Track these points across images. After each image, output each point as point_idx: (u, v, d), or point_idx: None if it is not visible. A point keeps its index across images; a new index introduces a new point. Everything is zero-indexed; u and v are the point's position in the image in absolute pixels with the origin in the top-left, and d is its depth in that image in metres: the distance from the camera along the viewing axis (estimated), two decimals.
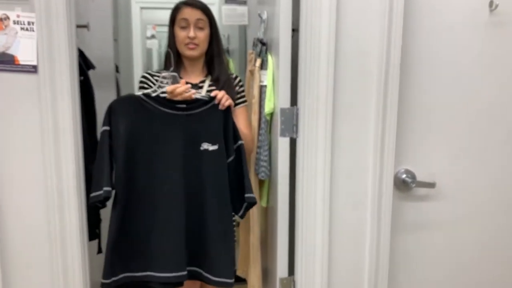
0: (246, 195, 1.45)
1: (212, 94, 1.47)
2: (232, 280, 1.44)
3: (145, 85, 1.65)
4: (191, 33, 1.59)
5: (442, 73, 1.49)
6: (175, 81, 1.46)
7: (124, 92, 2.65)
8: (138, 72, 3.13)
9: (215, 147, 1.43)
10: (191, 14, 1.61)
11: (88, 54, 1.98)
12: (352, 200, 1.48)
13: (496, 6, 1.46)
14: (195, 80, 1.66)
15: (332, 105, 1.40)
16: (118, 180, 1.39)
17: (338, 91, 1.41)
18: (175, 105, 1.42)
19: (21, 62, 1.29)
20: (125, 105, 1.41)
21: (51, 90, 1.31)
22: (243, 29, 2.73)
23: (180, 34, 1.62)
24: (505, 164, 1.59)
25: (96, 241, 1.95)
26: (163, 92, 1.43)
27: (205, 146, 1.42)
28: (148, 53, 3.90)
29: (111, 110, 1.39)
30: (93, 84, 1.96)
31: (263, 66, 1.69)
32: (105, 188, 1.35)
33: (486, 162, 1.58)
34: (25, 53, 1.29)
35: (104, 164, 1.38)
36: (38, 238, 1.39)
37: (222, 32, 2.99)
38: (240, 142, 1.48)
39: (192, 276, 1.45)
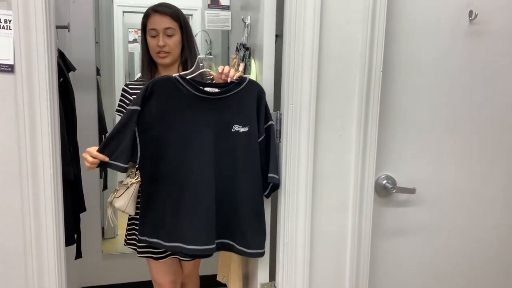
0: (269, 174, 1.44)
1: (219, 69, 1.45)
2: (263, 250, 1.48)
3: (125, 99, 1.65)
4: (160, 42, 1.61)
5: (423, 80, 1.52)
6: (210, 63, 1.47)
7: (105, 95, 2.62)
8: (119, 76, 3.10)
9: (245, 128, 1.44)
10: (159, 22, 1.61)
11: (68, 56, 1.94)
12: (333, 205, 1.48)
13: (476, 15, 1.49)
14: None
15: (315, 111, 1.40)
16: (150, 158, 1.41)
17: (321, 96, 1.41)
18: (207, 89, 1.42)
19: None
20: (161, 86, 1.39)
21: (28, 91, 1.28)
22: (226, 34, 2.73)
23: (151, 42, 1.64)
24: (485, 170, 1.62)
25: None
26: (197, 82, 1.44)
27: (236, 128, 1.44)
28: (130, 56, 3.87)
29: (147, 91, 1.38)
30: (74, 86, 1.93)
31: (246, 71, 1.68)
32: (121, 165, 1.35)
33: (466, 169, 1.61)
34: (1, 52, 1.25)
35: (126, 138, 1.36)
36: (12, 244, 1.35)
37: (205, 37, 2.99)
38: (270, 122, 1.46)
39: (224, 247, 1.49)
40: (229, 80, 1.43)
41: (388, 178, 1.53)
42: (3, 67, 1.26)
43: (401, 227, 1.59)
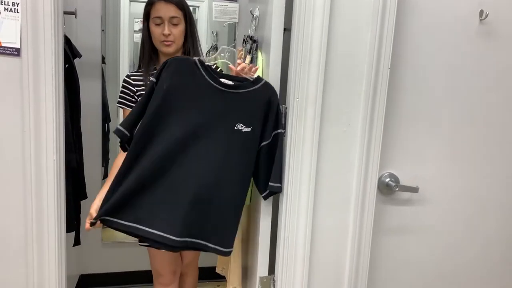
0: (270, 183, 1.42)
1: (238, 62, 1.44)
2: (230, 250, 1.43)
3: (128, 91, 1.64)
4: (166, 30, 1.58)
5: (430, 78, 1.51)
6: (232, 56, 1.46)
7: (109, 83, 2.62)
8: (124, 65, 3.10)
9: (248, 129, 1.41)
10: (165, 11, 1.59)
11: (74, 42, 1.93)
12: (335, 201, 1.48)
13: (486, 15, 1.48)
14: None
15: (321, 106, 1.40)
16: (145, 131, 1.37)
17: (327, 91, 1.41)
18: (222, 80, 1.41)
19: (3, 44, 1.25)
20: (180, 64, 1.39)
21: (34, 75, 1.27)
22: (232, 26, 2.72)
23: (155, 30, 1.61)
24: (488, 170, 1.62)
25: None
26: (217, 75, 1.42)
27: (239, 126, 1.41)
28: (135, 46, 3.87)
29: (165, 66, 1.38)
30: (79, 73, 1.92)
31: (252, 63, 1.68)
32: (122, 129, 1.36)
33: (470, 169, 1.60)
34: (8, 35, 1.24)
35: (137, 109, 1.38)
36: (13, 228, 1.35)
37: (211, 28, 2.98)
38: (280, 130, 1.42)
39: (195, 247, 1.41)
40: (243, 74, 1.42)
41: (391, 176, 1.53)
42: (9, 50, 1.25)
43: (402, 226, 1.59)
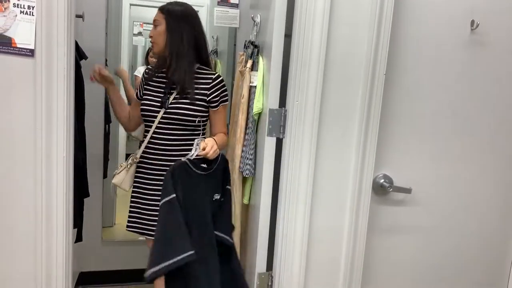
0: (220, 233, 1.60)
1: (201, 146, 1.55)
2: None
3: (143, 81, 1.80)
4: (150, 33, 1.76)
5: (424, 83, 1.57)
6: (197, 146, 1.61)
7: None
8: (124, 66, 3.14)
9: (218, 196, 1.62)
10: (154, 16, 1.76)
11: (80, 44, 1.98)
12: (332, 201, 1.53)
13: (477, 25, 1.54)
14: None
15: (319, 109, 1.46)
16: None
17: (326, 95, 1.47)
18: (202, 165, 1.58)
19: (19, 45, 1.30)
20: (180, 171, 1.52)
21: (46, 75, 1.32)
22: (233, 31, 2.77)
23: None
24: (479, 173, 1.68)
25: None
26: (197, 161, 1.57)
27: (216, 196, 1.62)
28: (134, 49, 3.91)
29: (173, 178, 1.49)
30: (83, 74, 1.96)
31: (253, 67, 1.73)
32: (190, 252, 1.46)
33: (462, 171, 1.66)
34: (23, 36, 1.29)
35: (180, 229, 1.48)
36: (23, 223, 1.39)
37: (212, 33, 3.04)
38: (228, 186, 1.65)
39: None
40: (209, 156, 1.56)
41: (386, 177, 1.59)
42: (24, 51, 1.30)
43: (396, 226, 1.64)
